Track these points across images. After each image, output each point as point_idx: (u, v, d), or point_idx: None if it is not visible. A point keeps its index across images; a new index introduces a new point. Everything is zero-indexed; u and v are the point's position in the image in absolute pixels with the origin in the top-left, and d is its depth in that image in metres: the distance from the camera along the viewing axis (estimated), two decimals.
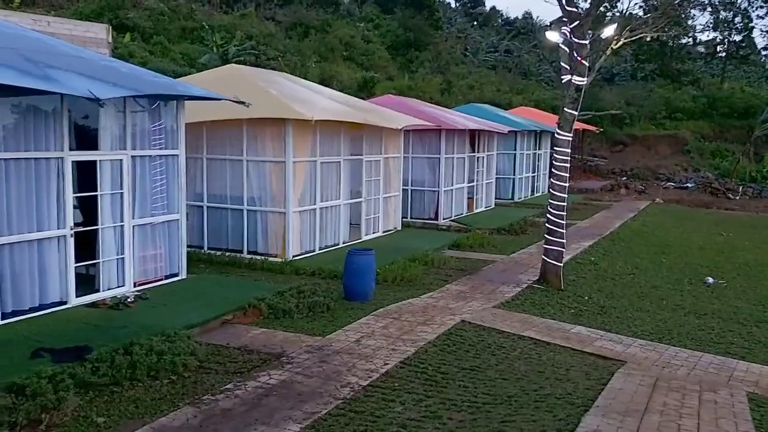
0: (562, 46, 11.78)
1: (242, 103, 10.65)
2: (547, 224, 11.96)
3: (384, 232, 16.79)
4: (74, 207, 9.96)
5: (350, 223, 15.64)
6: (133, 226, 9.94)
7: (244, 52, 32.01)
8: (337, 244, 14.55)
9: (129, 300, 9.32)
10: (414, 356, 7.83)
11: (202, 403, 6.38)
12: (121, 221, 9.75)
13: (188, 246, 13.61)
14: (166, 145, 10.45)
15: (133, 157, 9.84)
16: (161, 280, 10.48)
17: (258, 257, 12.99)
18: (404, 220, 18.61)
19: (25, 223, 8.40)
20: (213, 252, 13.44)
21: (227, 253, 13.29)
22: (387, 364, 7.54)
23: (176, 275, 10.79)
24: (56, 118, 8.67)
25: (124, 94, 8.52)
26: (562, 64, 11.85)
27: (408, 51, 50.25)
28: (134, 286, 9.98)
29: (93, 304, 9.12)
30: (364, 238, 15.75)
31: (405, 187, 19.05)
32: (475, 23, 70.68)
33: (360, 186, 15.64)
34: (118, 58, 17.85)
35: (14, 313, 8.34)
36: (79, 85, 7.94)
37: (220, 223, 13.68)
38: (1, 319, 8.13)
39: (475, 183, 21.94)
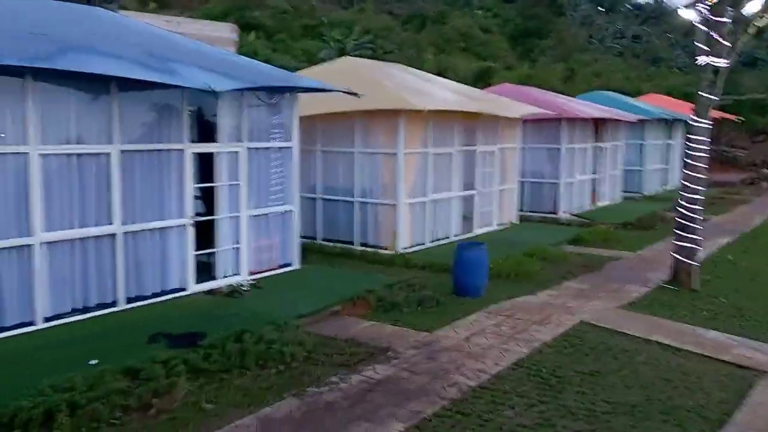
0: (698, 25, 10.74)
1: (354, 94, 10.58)
2: (677, 218, 11.00)
3: (498, 225, 16.26)
4: (195, 197, 10.36)
5: (463, 216, 15.26)
6: (249, 216, 10.14)
7: (361, 46, 32.32)
8: (449, 237, 14.23)
9: (244, 288, 9.52)
10: (527, 358, 7.39)
11: (306, 394, 6.32)
12: (237, 212, 9.97)
13: (301, 237, 13.95)
14: (281, 138, 10.58)
15: (249, 149, 10.03)
16: (275, 269, 10.64)
17: (369, 249, 12.94)
18: (521, 213, 17.96)
19: (148, 212, 8.76)
20: (325, 243, 13.55)
21: (339, 245, 13.35)
22: (498, 364, 7.15)
23: (289, 265, 10.92)
24: (177, 111, 8.97)
25: (239, 86, 8.66)
26: (698, 45, 10.81)
27: (528, 40, 48.80)
28: (249, 275, 10.19)
29: (210, 292, 9.39)
30: (477, 231, 15.31)
31: (522, 179, 18.40)
32: (601, 9, 67.39)
33: (473, 178, 15.21)
34: (244, 55, 18.50)
35: (137, 298, 8.73)
36: (198, 78, 8.16)
37: (332, 214, 13.77)
38: (126, 304, 8.53)
39: (598, 175, 20.81)
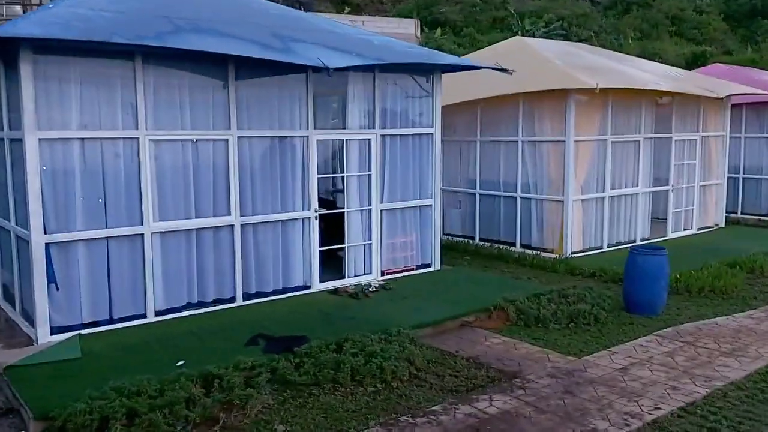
0: None
1: (504, 70, 9.15)
2: None
3: (699, 229, 13.67)
4: (336, 190, 9.67)
5: (652, 217, 12.98)
6: (381, 210, 9.17)
7: (552, 33, 30.13)
8: (634, 241, 12.09)
9: (370, 289, 8.58)
10: (703, 401, 5.50)
11: (396, 425, 5.14)
12: (369, 205, 9.05)
13: (459, 236, 12.75)
14: (420, 124, 9.48)
15: (382, 136, 9.07)
16: (411, 270, 9.57)
17: (530, 252, 11.35)
18: (732, 215, 15.12)
19: (269, 203, 8.16)
20: (484, 243, 12.19)
21: (499, 246, 11.92)
22: (659, 408, 5.37)
23: (428, 266, 9.78)
24: (301, 94, 8.26)
25: (358, 62, 7.73)
26: None
27: (753, 20, 42.46)
28: (381, 275, 9.24)
29: (335, 291, 8.58)
30: (671, 235, 12.94)
31: (733, 175, 15.47)
32: None
33: (667, 171, 12.85)
34: None
35: (258, 295, 8.16)
36: (312, 56, 7.35)
37: (492, 211, 12.36)
38: (243, 300, 8.00)
39: None
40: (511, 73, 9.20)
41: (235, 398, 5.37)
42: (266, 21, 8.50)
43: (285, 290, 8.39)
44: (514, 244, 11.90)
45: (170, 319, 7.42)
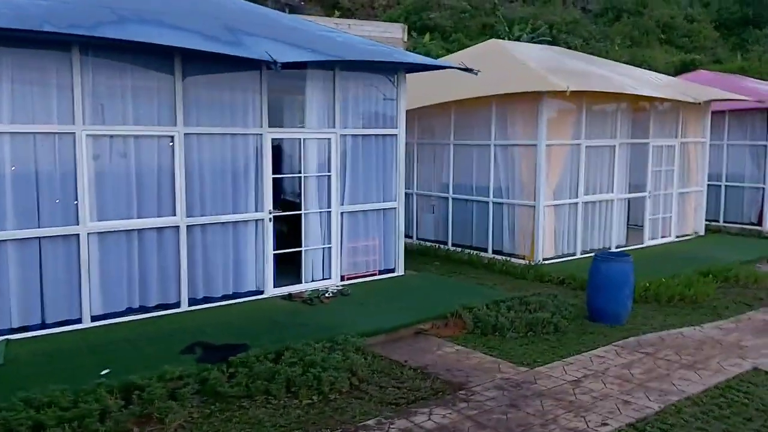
0: None
1: (470, 70, 8.82)
2: None
3: (678, 237, 13.38)
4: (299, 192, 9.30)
5: (629, 224, 12.71)
6: (342, 213, 8.84)
7: (538, 39, 29.92)
8: (609, 249, 11.78)
9: (326, 295, 8.23)
10: (655, 417, 5.17)
11: None
12: (328, 207, 8.71)
13: (432, 241, 12.42)
14: (384, 124, 9.15)
15: (343, 136, 8.74)
16: (374, 275, 9.23)
17: (500, 258, 11.03)
18: (713, 224, 14.86)
19: (219, 203, 7.81)
20: (456, 249, 11.86)
21: (470, 252, 11.59)
22: (606, 424, 5.04)
23: (392, 271, 9.44)
24: (254, 91, 7.93)
25: (309, 58, 7.41)
26: None
27: (744, 29, 42.45)
28: (342, 280, 8.89)
29: (289, 297, 8.22)
30: (648, 243, 12.64)
31: (715, 183, 15.21)
32: None
33: (644, 178, 12.56)
34: None
35: (206, 300, 7.81)
36: (260, 49, 7.03)
37: (465, 217, 12.04)
38: (188, 306, 7.64)
39: None
40: (476, 74, 8.89)
41: (155, 411, 5.02)
42: (221, 14, 8.18)
43: (236, 295, 8.03)
44: (486, 250, 11.58)
45: (108, 324, 7.05)
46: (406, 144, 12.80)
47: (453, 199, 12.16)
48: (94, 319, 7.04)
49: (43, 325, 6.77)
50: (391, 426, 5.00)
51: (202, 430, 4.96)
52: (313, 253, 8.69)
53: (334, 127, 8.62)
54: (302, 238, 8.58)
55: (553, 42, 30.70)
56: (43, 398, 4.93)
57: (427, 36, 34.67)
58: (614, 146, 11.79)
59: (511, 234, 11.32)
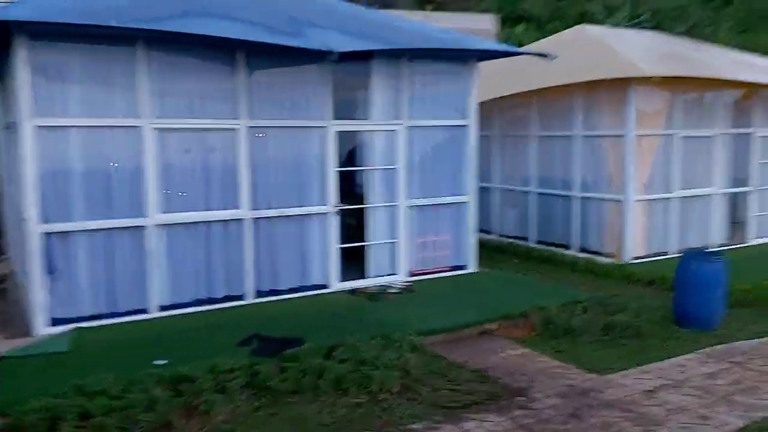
0: None
1: (545, 56, 8.32)
2: None
3: None
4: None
5: (732, 221, 11.65)
6: (408, 207, 8.58)
7: (639, 26, 28.33)
8: (707, 248, 10.85)
9: (391, 290, 8.01)
10: None
11: None
12: (395, 201, 8.48)
13: (513, 237, 11.92)
14: (455, 115, 8.80)
15: (410, 127, 8.48)
16: (443, 271, 8.91)
17: (585, 256, 10.40)
18: None
19: (283, 197, 7.75)
20: (539, 246, 11.31)
21: (554, 249, 11.01)
22: None
23: (463, 268, 9.08)
24: (320, 84, 7.81)
25: (366, 47, 7.18)
26: None
27: None
28: (409, 276, 8.64)
29: (353, 291, 8.07)
30: (752, 242, 11.56)
31: None
32: None
33: (747, 171, 11.49)
34: None
35: (272, 293, 7.78)
36: (325, 41, 6.89)
37: (549, 212, 11.45)
38: (254, 298, 7.64)
39: None
40: (552, 60, 8.37)
41: (201, 404, 4.98)
42: (289, 7, 8.12)
43: (301, 289, 7.96)
44: (570, 247, 10.95)
45: (174, 315, 7.15)
46: (488, 137, 12.50)
47: (536, 193, 11.60)
48: (162, 309, 7.15)
49: (114, 314, 6.93)
50: (440, 431, 4.70)
51: (246, 424, 4.87)
52: (378, 248, 8.48)
53: (400, 119, 8.37)
54: (368, 233, 8.39)
55: (657, 29, 29.02)
56: (95, 387, 5.00)
57: (521, 26, 33.71)
58: (713, 137, 10.83)
59: (597, 230, 10.64)
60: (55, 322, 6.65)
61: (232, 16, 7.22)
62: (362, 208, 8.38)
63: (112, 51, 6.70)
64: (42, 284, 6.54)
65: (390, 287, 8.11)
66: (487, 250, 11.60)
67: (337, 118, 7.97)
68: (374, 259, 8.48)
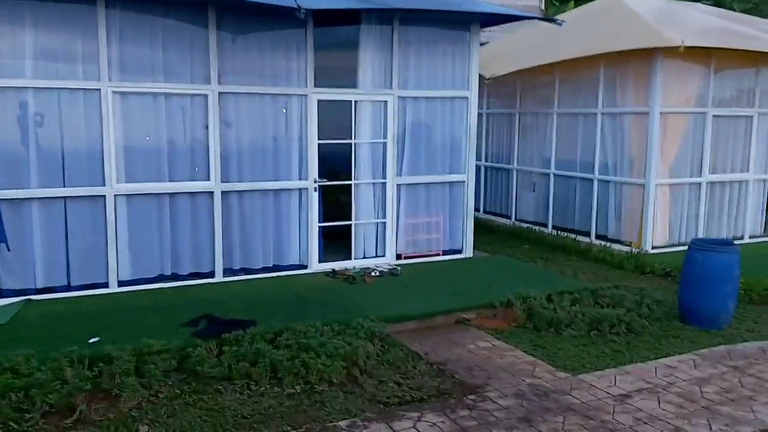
0: None
1: (553, 20, 7.56)
2: None
3: None
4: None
5: (767, 210, 10.60)
6: (399, 185, 7.97)
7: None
8: (741, 238, 9.90)
9: (373, 274, 7.45)
10: None
11: None
12: (383, 178, 7.89)
13: (531, 222, 11.17)
14: (453, 86, 8.12)
15: (402, 98, 7.85)
16: (436, 255, 8.28)
17: (600, 244, 9.59)
18: None
19: (259, 170, 7.27)
20: (555, 232, 10.53)
21: (572, 235, 10.21)
22: None
23: (458, 252, 8.43)
24: (299, 48, 7.27)
25: (341, 5, 6.56)
26: None
27: None
28: (398, 259, 8.06)
29: (333, 273, 7.54)
30: None
31: None
32: None
33: None
34: None
35: (244, 271, 7.35)
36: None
37: (567, 195, 10.65)
38: (223, 276, 7.21)
39: None
40: (560, 24, 7.59)
41: (114, 387, 4.56)
42: None
43: (276, 268, 7.49)
44: (589, 234, 10.14)
45: (135, 291, 6.78)
46: (508, 114, 11.72)
47: (555, 175, 10.80)
48: (121, 284, 6.79)
49: (69, 287, 6.61)
50: (364, 430, 4.14)
51: (157, 413, 4.41)
52: (364, 228, 7.92)
53: (390, 88, 7.75)
54: (354, 211, 7.83)
55: (717, 4, 27.11)
56: (4, 363, 4.64)
57: (572, 3, 32.26)
58: (752, 117, 9.80)
59: (617, 217, 9.79)
60: (6, 293, 6.35)
61: None
62: (346, 184, 7.81)
63: (72, 9, 6.30)
64: None
65: (372, 270, 7.55)
66: (500, 236, 10.93)
67: (319, 86, 7.42)
68: (360, 240, 7.93)
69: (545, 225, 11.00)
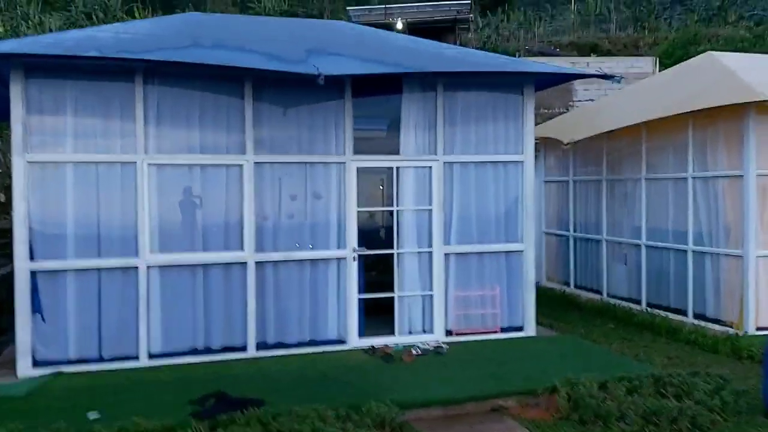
0: None
1: (610, 77, 6.88)
2: None
3: None
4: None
5: None
6: (447, 254, 7.41)
7: None
8: None
9: (413, 351, 6.85)
10: None
11: None
12: (429, 247, 7.37)
13: (624, 299, 10.07)
14: (504, 150, 7.57)
15: (449, 163, 7.40)
16: (493, 332, 7.52)
17: (696, 323, 8.39)
18: None
19: (294, 239, 7.03)
20: (647, 310, 9.38)
21: (667, 314, 9.02)
22: None
23: (519, 329, 7.61)
24: (338, 116, 7.10)
25: (364, 70, 6.34)
26: None
27: None
28: (449, 335, 7.39)
29: (372, 349, 7.02)
30: None
31: None
32: None
33: None
34: None
35: (279, 345, 7.01)
36: (325, 66, 6.19)
37: (660, 268, 9.51)
38: (256, 350, 6.90)
39: None
40: (618, 81, 6.90)
41: None
42: (316, 37, 7.59)
43: (312, 343, 7.08)
44: (685, 313, 8.91)
45: (163, 364, 6.61)
46: (595, 181, 10.87)
47: (646, 246, 9.72)
48: (152, 357, 6.66)
49: (101, 359, 6.56)
50: None
51: None
52: (409, 301, 7.38)
53: (435, 153, 7.33)
54: (397, 283, 7.34)
55: None
56: None
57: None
58: None
59: (715, 293, 8.54)
60: (40, 363, 6.39)
61: (244, 48, 6.82)
62: (389, 253, 7.37)
63: (109, 86, 6.53)
64: (26, 324, 6.33)
65: (415, 347, 6.95)
66: (585, 313, 9.95)
67: (359, 152, 7.16)
68: (404, 314, 7.38)
69: (638, 302, 9.85)
